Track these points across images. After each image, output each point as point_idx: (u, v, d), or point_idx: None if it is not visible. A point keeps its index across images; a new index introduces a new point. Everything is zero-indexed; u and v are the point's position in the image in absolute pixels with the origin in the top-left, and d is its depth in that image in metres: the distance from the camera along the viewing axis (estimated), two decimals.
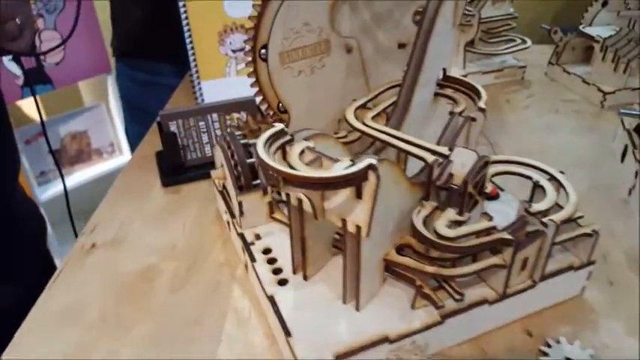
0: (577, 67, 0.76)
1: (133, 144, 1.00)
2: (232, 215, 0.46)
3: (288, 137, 0.33)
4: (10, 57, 1.23)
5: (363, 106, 0.45)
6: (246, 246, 0.43)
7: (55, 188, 1.43)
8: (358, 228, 0.32)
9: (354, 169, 0.28)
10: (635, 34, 0.69)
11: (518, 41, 0.78)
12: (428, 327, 0.36)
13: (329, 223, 0.40)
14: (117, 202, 0.56)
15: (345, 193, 0.32)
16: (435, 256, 0.37)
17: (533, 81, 0.78)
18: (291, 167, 0.30)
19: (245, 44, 0.44)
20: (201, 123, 0.58)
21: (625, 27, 0.73)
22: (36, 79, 1.33)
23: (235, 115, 0.59)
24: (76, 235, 0.67)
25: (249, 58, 0.44)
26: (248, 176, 0.43)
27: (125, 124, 1.09)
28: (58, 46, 1.00)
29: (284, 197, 0.36)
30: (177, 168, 0.59)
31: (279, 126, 0.33)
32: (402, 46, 0.49)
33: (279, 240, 0.43)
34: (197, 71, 0.72)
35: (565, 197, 0.39)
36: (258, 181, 0.44)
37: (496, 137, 0.66)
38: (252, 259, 0.41)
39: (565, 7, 1.35)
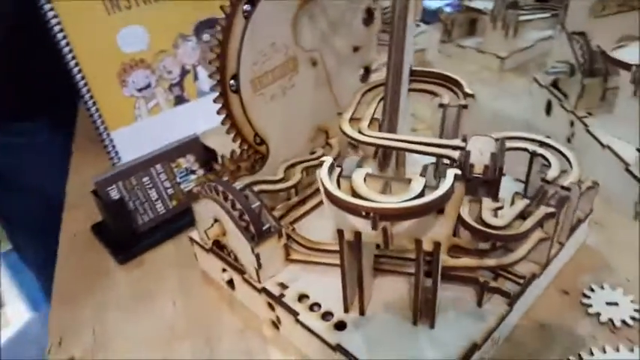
0: (467, 40, 0.82)
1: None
2: (241, 272, 0.40)
3: (339, 170, 0.29)
4: None
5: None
6: (277, 300, 0.38)
7: None
8: (437, 244, 0.30)
9: (448, 185, 0.26)
10: (508, 1, 0.76)
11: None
12: (502, 319, 0.35)
13: (371, 249, 0.37)
14: (70, 301, 0.46)
15: None
16: (485, 248, 0.37)
17: (432, 61, 0.83)
18: (367, 200, 0.27)
19: (211, 78, 0.38)
20: (145, 179, 0.50)
21: None
22: None
23: (181, 161, 0.52)
24: None
25: (217, 93, 0.39)
26: (258, 223, 0.38)
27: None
28: None
29: (334, 236, 0.32)
30: (129, 238, 0.50)
31: (327, 159, 0.29)
32: (356, 49, 0.48)
33: (308, 282, 0.39)
34: (103, 122, 0.62)
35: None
36: (268, 226, 0.39)
37: None
38: (294, 313, 0.37)
39: None
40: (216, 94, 0.39)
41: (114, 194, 0.48)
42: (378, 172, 0.42)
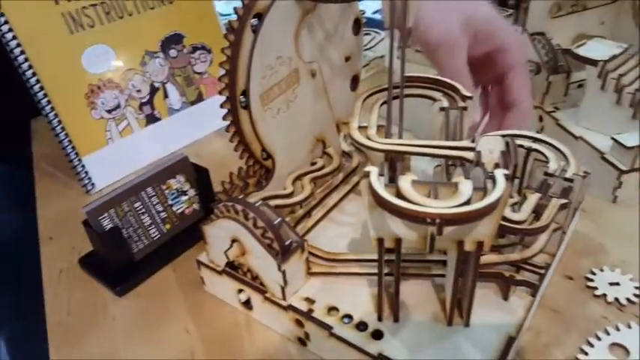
0: None
1: None
2: (261, 291, 0.39)
3: (384, 180, 0.29)
4: None
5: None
6: (306, 316, 0.37)
7: None
8: (479, 244, 0.31)
9: (502, 186, 0.27)
10: None
11: (373, 34, 0.83)
12: (529, 309, 0.37)
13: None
14: (73, 342, 0.42)
15: None
16: (504, 243, 0.38)
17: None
18: (422, 206, 0.27)
19: (220, 94, 0.37)
20: (137, 204, 0.48)
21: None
22: None
23: (172, 182, 0.50)
24: None
25: (226, 110, 0.38)
26: (281, 239, 0.37)
27: None
28: None
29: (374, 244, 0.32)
30: (126, 268, 0.47)
31: (373, 169, 0.29)
32: (347, 59, 0.48)
33: (333, 294, 0.39)
34: (73, 148, 0.58)
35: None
36: (289, 241, 0.38)
37: None
38: (327, 327, 0.36)
39: None
40: (225, 111, 0.38)
41: (106, 223, 0.45)
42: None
